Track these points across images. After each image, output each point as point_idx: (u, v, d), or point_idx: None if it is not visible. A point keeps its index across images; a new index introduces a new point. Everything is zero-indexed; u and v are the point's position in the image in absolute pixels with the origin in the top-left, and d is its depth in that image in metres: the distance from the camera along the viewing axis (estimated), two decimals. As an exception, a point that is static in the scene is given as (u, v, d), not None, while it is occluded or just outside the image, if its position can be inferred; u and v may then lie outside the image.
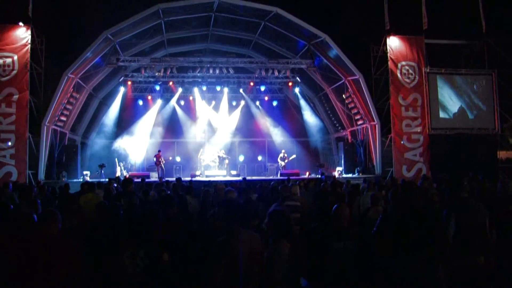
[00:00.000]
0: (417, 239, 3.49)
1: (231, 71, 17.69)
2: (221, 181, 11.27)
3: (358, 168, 17.43)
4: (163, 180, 11.36)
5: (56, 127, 15.63)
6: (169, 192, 7.40)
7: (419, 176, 13.00)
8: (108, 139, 18.96)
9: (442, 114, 16.42)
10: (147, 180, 12.93)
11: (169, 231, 4.24)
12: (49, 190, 7.92)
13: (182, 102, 20.62)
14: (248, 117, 21.19)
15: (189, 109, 20.71)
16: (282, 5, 15.71)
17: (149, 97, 20.31)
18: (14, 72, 13.96)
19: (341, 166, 18.01)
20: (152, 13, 15.13)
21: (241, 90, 20.23)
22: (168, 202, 4.73)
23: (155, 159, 17.45)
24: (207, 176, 17.28)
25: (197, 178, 16.31)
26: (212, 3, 15.52)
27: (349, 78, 16.94)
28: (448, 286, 3.52)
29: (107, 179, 10.63)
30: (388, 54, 15.98)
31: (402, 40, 16.22)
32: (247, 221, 3.36)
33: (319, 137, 20.93)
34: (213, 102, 20.65)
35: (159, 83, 18.89)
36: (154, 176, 16.94)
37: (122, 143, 18.46)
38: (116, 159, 17.56)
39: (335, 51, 16.07)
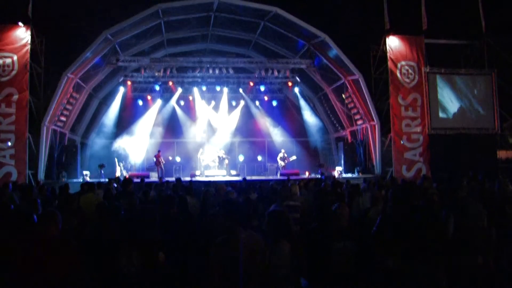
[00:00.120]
0: (417, 239, 3.49)
1: (231, 71, 17.69)
2: (221, 181, 11.27)
3: (357, 168, 17.43)
4: (163, 180, 11.35)
5: (56, 127, 15.62)
6: (169, 192, 7.40)
7: (419, 176, 13.01)
8: (108, 139, 18.95)
9: (441, 114, 16.42)
10: (146, 180, 12.92)
11: (169, 231, 4.24)
12: (49, 190, 7.90)
13: (182, 102, 20.62)
14: (247, 117, 21.19)
15: (189, 109, 20.71)
16: (282, 5, 15.71)
17: (149, 97, 20.31)
18: (14, 72, 13.95)
19: (340, 166, 18.01)
20: (151, 13, 15.11)
21: (240, 90, 20.23)
22: (168, 202, 4.73)
23: (155, 159, 17.45)
24: (206, 176, 17.28)
25: (197, 178, 16.30)
26: (212, 3, 15.51)
27: (349, 78, 16.94)
28: (448, 286, 3.53)
29: (107, 179, 10.63)
30: (388, 54, 15.98)
31: (402, 40, 16.22)
32: (248, 221, 3.36)
33: (319, 137, 20.93)
34: (213, 102, 20.66)
35: (159, 83, 18.88)
36: (154, 176, 16.94)
37: (122, 143, 18.46)
38: (116, 159, 17.55)
39: (334, 51, 16.07)
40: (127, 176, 14.36)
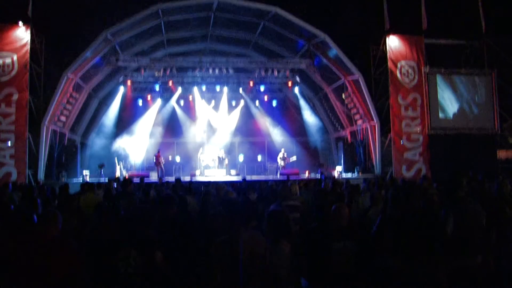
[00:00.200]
0: (417, 239, 3.49)
1: (231, 71, 17.69)
2: (220, 181, 11.28)
3: (357, 168, 17.44)
4: (163, 180, 11.35)
5: (55, 127, 15.62)
6: (169, 192, 7.40)
7: (419, 176, 13.02)
8: (107, 139, 18.95)
9: (441, 114, 16.43)
10: (146, 180, 12.92)
11: (169, 231, 4.24)
12: (49, 190, 7.90)
13: (182, 102, 20.61)
14: (247, 117, 21.19)
15: (189, 109, 20.70)
16: (282, 5, 15.72)
17: (149, 97, 20.30)
18: (14, 72, 13.94)
19: (340, 165, 18.02)
20: (151, 13, 15.13)
21: (240, 90, 20.23)
22: (168, 202, 4.72)
23: (154, 159, 17.46)
24: (206, 176, 17.29)
25: (197, 178, 16.31)
26: (212, 3, 15.52)
27: (349, 78, 16.94)
28: (448, 286, 3.53)
29: (107, 179, 10.63)
30: (388, 54, 15.99)
31: (402, 40, 16.22)
32: (248, 221, 3.36)
33: (319, 137, 20.93)
34: (213, 102, 20.65)
35: (159, 83, 18.89)
36: (153, 176, 16.94)
37: (121, 143, 18.45)
38: (115, 159, 17.55)
39: (334, 51, 16.07)
40: (127, 176, 14.37)
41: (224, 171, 18.12)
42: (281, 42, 18.49)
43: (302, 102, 20.53)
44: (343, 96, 17.86)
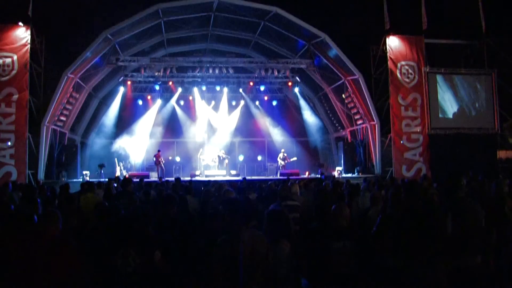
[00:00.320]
0: (417, 239, 3.49)
1: (231, 71, 17.70)
2: (221, 180, 11.26)
3: (357, 168, 17.44)
4: (163, 180, 11.35)
5: (55, 127, 15.62)
6: (169, 191, 7.39)
7: (419, 176, 13.01)
8: (107, 139, 18.94)
9: (441, 114, 16.43)
10: (146, 180, 12.91)
11: (169, 231, 4.25)
12: (49, 190, 7.90)
13: (182, 102, 20.61)
14: (247, 117, 21.18)
15: (189, 109, 20.70)
16: (282, 5, 15.72)
17: (149, 97, 20.30)
18: (14, 72, 13.94)
19: (340, 165, 18.02)
20: (151, 13, 15.11)
21: (240, 90, 20.22)
22: (168, 202, 4.72)
23: (154, 159, 17.45)
24: (206, 176, 17.28)
25: (197, 178, 16.30)
26: (212, 3, 15.51)
27: (349, 78, 16.94)
28: (448, 286, 3.53)
29: (107, 179, 10.62)
30: (388, 54, 15.98)
31: (402, 40, 16.22)
32: (248, 220, 3.36)
33: (319, 137, 20.92)
34: (213, 102, 20.64)
35: (159, 83, 18.88)
36: (153, 176, 16.94)
37: (121, 143, 18.44)
38: (115, 159, 17.55)
39: (334, 51, 16.07)
40: (127, 176, 14.36)
41: (224, 171, 18.11)
42: (281, 42, 18.48)
43: (302, 102, 20.52)
44: (343, 96, 17.86)
